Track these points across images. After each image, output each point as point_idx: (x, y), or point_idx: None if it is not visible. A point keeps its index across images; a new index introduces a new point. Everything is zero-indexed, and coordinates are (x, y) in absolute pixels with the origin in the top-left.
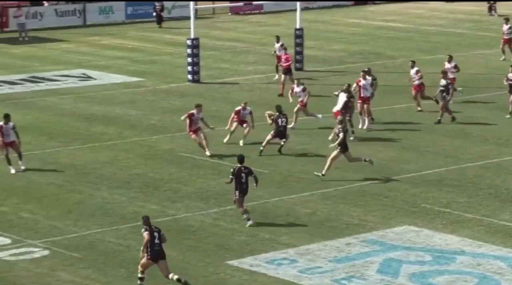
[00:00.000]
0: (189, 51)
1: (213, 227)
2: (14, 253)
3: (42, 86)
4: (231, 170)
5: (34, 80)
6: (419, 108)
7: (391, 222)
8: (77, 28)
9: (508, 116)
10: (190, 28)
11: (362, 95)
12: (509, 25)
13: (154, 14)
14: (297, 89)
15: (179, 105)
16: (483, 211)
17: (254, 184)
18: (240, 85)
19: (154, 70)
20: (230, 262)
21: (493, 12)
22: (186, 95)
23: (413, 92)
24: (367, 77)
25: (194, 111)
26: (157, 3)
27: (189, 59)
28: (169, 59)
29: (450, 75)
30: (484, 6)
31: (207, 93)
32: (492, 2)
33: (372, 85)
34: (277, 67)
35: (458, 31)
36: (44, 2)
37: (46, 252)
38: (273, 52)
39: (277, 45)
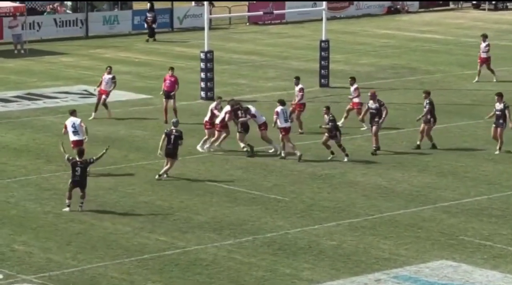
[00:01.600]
0: (202, 65)
1: (227, 260)
2: None
3: (40, 104)
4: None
5: (30, 97)
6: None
7: (426, 256)
8: (79, 40)
9: None
10: (203, 40)
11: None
12: (487, 43)
13: (145, 26)
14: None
15: (190, 126)
16: None
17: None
18: (258, 103)
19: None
20: None
21: None
22: (198, 114)
23: None
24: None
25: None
26: (148, 14)
27: (202, 74)
28: (180, 74)
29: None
30: None
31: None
32: None
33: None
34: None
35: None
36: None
37: None
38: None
39: None
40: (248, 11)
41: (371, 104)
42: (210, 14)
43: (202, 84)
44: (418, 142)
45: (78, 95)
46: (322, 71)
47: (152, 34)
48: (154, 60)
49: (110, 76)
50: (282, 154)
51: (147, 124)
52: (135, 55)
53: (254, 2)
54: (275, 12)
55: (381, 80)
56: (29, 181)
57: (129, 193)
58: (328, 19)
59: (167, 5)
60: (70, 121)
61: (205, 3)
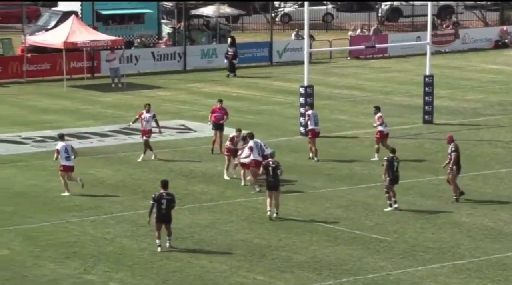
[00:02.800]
0: (301, 100)
1: None
2: None
3: (136, 138)
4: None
5: (127, 132)
6: None
7: None
8: (176, 74)
9: None
10: (303, 74)
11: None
12: None
13: (225, 61)
14: None
15: (289, 162)
16: None
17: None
18: (360, 140)
19: (262, 122)
20: None
21: None
22: (297, 150)
23: None
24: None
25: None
26: (229, 49)
27: (302, 110)
28: (279, 109)
29: None
30: None
31: (321, 147)
32: None
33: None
34: None
35: None
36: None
37: None
38: None
39: None
40: (350, 45)
41: (449, 149)
42: (310, 48)
43: (302, 120)
44: None
45: (176, 130)
46: (426, 107)
47: (232, 69)
48: (253, 94)
49: (151, 114)
50: (315, 158)
51: None
52: (233, 89)
53: (356, 36)
54: (377, 46)
55: (488, 117)
56: (125, 217)
57: (226, 231)
58: (432, 53)
59: (267, 38)
60: (62, 146)
61: (305, 37)
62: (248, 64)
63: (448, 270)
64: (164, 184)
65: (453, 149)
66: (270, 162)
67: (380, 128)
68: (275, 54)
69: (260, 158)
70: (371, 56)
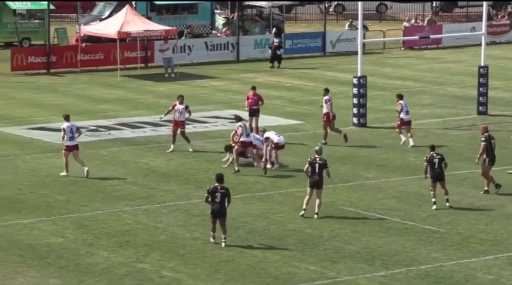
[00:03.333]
0: (355, 90)
1: None
2: None
3: (189, 128)
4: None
5: None
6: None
7: None
8: (229, 64)
9: None
10: (356, 64)
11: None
12: None
13: (269, 51)
14: None
15: (342, 152)
16: None
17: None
18: (412, 131)
19: (315, 112)
20: None
21: None
22: (350, 141)
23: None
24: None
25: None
26: (275, 39)
27: (355, 100)
28: (332, 99)
29: None
30: None
31: (374, 138)
32: None
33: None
34: None
35: None
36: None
37: None
38: None
39: None
40: (404, 35)
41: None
42: (364, 38)
43: (355, 110)
44: None
45: (228, 120)
46: (480, 98)
47: (276, 59)
48: (306, 85)
49: (183, 105)
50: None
51: (296, 150)
52: (286, 79)
53: (410, 26)
54: (432, 36)
55: None
56: (177, 207)
57: (278, 221)
58: (487, 44)
59: (320, 29)
60: (67, 126)
61: (359, 27)
62: (301, 54)
63: (502, 262)
64: (219, 178)
65: (482, 139)
66: (317, 159)
67: (401, 115)
68: (329, 45)
69: (247, 140)
70: (425, 46)
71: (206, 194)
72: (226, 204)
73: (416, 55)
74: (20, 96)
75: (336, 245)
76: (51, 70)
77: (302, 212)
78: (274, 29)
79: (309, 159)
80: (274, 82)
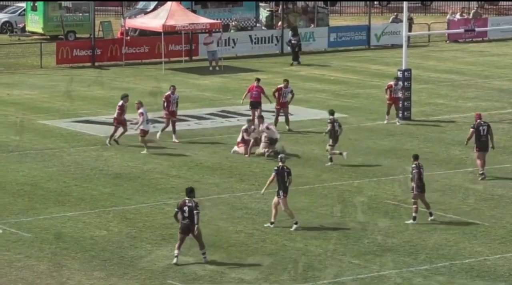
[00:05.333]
0: (400, 84)
1: None
2: None
3: (233, 121)
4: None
5: (224, 114)
6: None
7: None
8: (274, 57)
9: None
10: (401, 57)
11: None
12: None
13: (289, 49)
14: None
15: (386, 146)
16: None
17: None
18: (457, 124)
19: (359, 105)
20: None
21: None
22: (395, 134)
23: None
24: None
25: None
26: (292, 38)
27: (400, 93)
28: (376, 92)
29: None
30: None
31: (418, 132)
32: None
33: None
34: None
35: None
36: None
37: None
38: None
39: None
40: (448, 28)
41: None
42: (409, 31)
43: (399, 104)
44: None
45: (271, 113)
46: None
47: (296, 57)
48: (350, 78)
49: (176, 95)
50: None
51: (340, 144)
52: (330, 73)
53: (455, 19)
54: (477, 29)
55: None
56: (221, 200)
57: (321, 214)
58: None
59: (364, 22)
60: (143, 110)
61: (404, 20)
62: (346, 47)
63: None
64: (189, 191)
65: (471, 125)
66: (285, 167)
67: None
68: (373, 38)
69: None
70: (470, 39)
71: (175, 209)
72: (196, 219)
73: (461, 48)
74: (65, 89)
75: (379, 239)
76: (96, 63)
77: (269, 223)
78: (290, 31)
79: (275, 168)
80: (318, 75)
